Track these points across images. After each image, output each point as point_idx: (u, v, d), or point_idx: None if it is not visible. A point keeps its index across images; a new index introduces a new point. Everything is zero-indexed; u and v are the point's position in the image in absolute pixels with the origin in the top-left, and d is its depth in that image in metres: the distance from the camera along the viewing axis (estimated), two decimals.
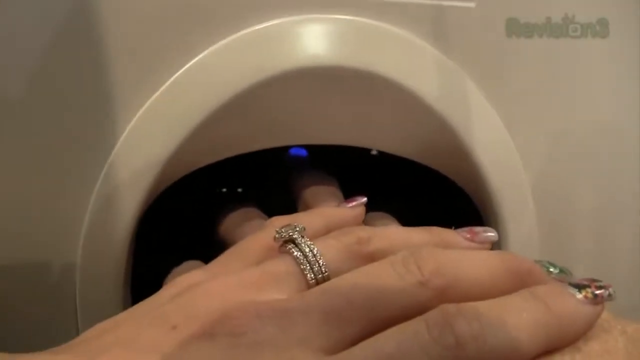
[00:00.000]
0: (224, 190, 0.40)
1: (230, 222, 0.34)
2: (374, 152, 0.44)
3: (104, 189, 0.29)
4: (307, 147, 0.41)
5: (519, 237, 0.33)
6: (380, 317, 0.20)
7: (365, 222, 0.33)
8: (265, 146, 0.32)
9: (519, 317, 0.19)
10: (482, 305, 0.20)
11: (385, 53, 0.30)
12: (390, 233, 0.25)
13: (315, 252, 0.23)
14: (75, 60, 0.28)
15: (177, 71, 0.29)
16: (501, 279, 0.21)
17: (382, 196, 0.37)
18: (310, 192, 0.34)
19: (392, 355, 0.18)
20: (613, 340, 0.20)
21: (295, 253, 0.23)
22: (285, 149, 0.41)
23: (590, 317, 0.20)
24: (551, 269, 0.23)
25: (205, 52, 0.29)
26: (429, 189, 0.42)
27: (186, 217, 0.40)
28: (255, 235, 0.26)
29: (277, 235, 0.24)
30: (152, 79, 0.29)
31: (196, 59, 0.29)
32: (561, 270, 0.23)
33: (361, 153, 0.43)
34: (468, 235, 0.25)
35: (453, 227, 0.26)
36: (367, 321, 0.20)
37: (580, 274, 0.34)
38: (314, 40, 0.29)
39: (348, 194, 0.35)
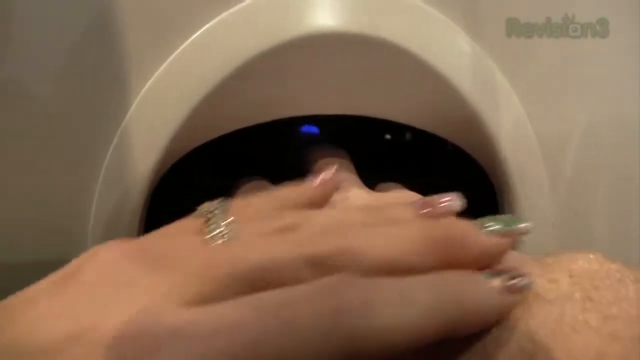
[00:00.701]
0: (238, 167, 0.40)
1: (240, 195, 0.34)
2: (387, 137, 0.44)
3: (116, 156, 0.30)
4: (320, 126, 0.41)
5: (533, 214, 0.33)
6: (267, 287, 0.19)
7: (377, 190, 0.33)
8: (277, 116, 0.32)
9: (417, 296, 0.18)
10: (379, 281, 0.19)
11: (396, 20, 0.30)
12: (326, 218, 0.23)
13: (225, 233, 0.22)
14: (86, 28, 0.28)
15: (189, 38, 0.29)
16: (418, 255, 0.20)
17: (396, 175, 0.37)
18: (322, 164, 0.34)
19: (276, 309, 0.17)
20: (625, 289, 0.20)
21: (209, 233, 0.22)
22: (298, 126, 0.41)
23: (501, 306, 0.19)
24: (491, 225, 0.21)
25: (216, 20, 0.29)
26: (445, 170, 0.42)
27: (199, 193, 0.40)
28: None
29: (196, 214, 0.23)
30: (164, 45, 0.29)
31: (207, 25, 0.29)
32: (507, 223, 0.21)
33: (375, 137, 0.43)
34: (424, 209, 0.23)
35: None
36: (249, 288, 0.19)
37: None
38: (325, 6, 0.29)
39: (361, 173, 0.35)
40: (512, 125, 0.32)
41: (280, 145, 0.40)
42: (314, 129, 0.41)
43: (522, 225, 0.22)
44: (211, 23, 0.29)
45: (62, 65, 0.29)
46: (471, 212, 0.33)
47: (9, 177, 0.30)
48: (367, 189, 0.32)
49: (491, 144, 0.32)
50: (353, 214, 0.24)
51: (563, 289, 0.20)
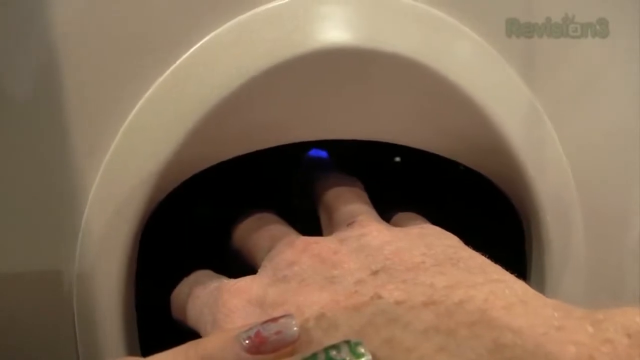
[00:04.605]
0: (241, 195, 0.38)
1: (244, 229, 0.32)
2: (397, 159, 0.43)
3: (99, 195, 0.27)
4: (330, 150, 0.39)
5: (563, 243, 0.31)
6: None
7: (394, 223, 0.31)
8: (280, 142, 0.30)
9: None
10: None
11: (414, 34, 0.28)
12: None
13: None
14: (66, 58, 0.26)
15: (178, 59, 0.27)
16: None
17: (412, 200, 0.35)
18: (333, 194, 0.32)
19: None
20: None
21: None
22: (305, 150, 0.38)
23: None
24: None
25: (210, 36, 0.27)
26: (464, 192, 0.40)
27: (199, 224, 0.37)
28: None
29: None
30: (151, 68, 0.27)
31: (200, 43, 0.27)
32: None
33: (385, 160, 0.41)
34: (251, 347, 0.21)
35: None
36: None
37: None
38: (336, 20, 0.27)
39: (374, 199, 0.33)
40: (542, 154, 0.30)
41: (287, 171, 0.38)
42: (323, 154, 0.38)
43: None
44: (206, 39, 0.27)
45: (37, 104, 0.27)
46: (493, 236, 0.30)
47: None
48: (386, 224, 0.29)
49: (518, 173, 0.30)
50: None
51: (620, 353, 0.17)
